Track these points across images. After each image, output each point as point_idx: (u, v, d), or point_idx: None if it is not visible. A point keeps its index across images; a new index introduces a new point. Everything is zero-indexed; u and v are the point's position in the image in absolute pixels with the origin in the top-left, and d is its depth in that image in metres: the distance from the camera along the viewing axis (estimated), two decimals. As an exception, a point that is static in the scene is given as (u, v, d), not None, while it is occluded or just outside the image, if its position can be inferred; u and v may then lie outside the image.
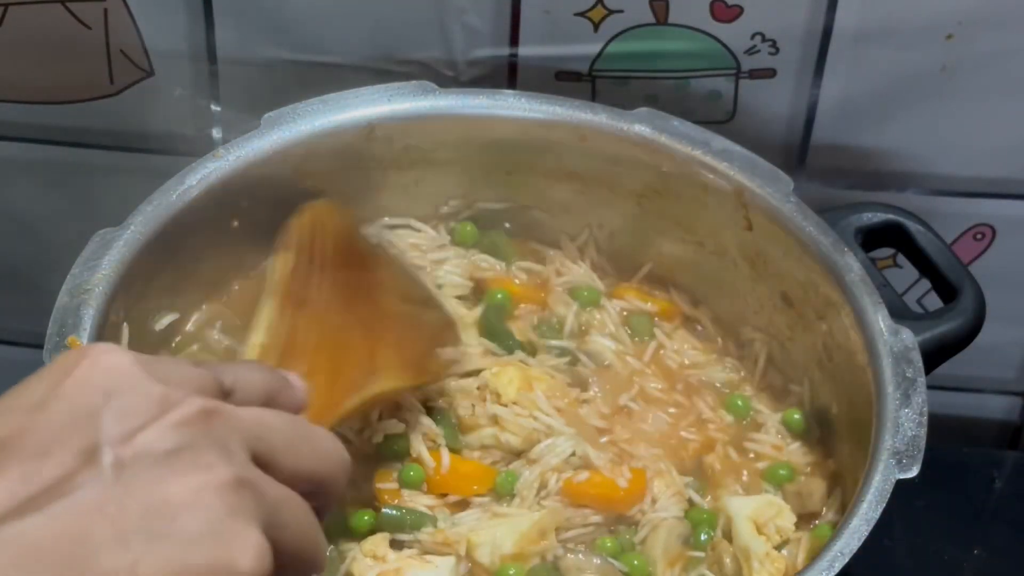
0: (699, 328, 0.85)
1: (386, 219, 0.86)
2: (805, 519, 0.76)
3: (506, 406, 0.77)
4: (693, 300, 0.85)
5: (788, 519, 0.74)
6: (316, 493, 0.49)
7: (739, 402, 0.81)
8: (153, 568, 0.44)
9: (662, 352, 0.83)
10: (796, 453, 0.79)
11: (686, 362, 0.83)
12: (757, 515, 0.74)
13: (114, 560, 0.44)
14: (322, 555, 0.49)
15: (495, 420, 0.77)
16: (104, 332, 0.72)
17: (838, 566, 0.65)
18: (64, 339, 0.71)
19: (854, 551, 0.66)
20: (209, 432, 0.46)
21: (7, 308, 1.00)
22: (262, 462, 0.47)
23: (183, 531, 0.44)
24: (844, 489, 0.76)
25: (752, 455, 0.79)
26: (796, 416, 0.80)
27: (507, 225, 0.86)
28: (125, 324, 0.75)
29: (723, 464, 0.78)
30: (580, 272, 0.86)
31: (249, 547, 0.45)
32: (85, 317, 0.72)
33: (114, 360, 0.47)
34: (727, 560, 0.73)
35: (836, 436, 0.78)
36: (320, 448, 0.50)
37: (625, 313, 0.84)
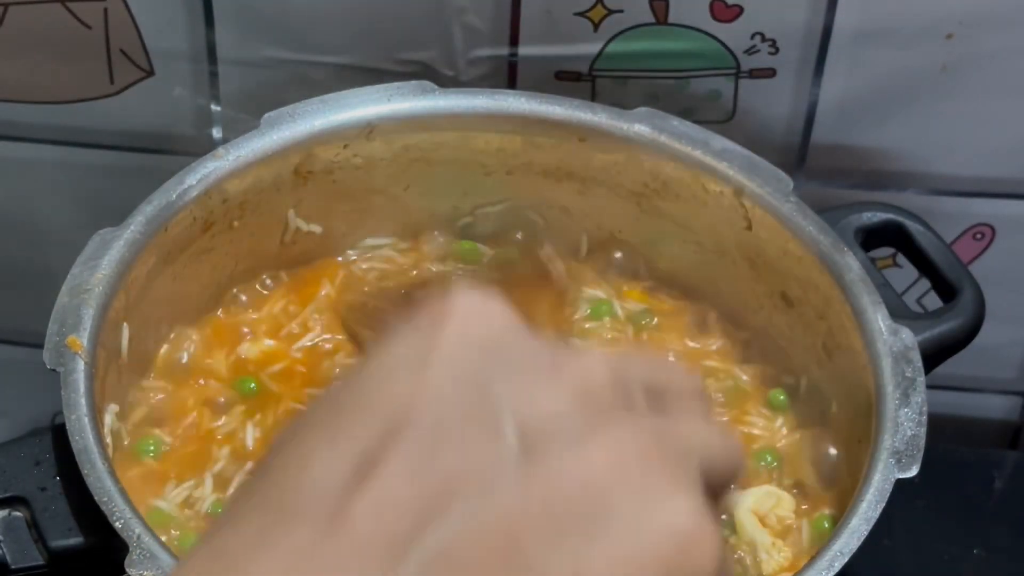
0: (699, 327, 0.85)
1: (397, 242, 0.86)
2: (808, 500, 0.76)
3: None
4: (692, 300, 0.85)
5: (787, 508, 0.74)
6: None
7: (732, 396, 0.81)
8: (599, 563, 0.37)
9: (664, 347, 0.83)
10: (783, 432, 0.79)
11: (686, 359, 0.83)
12: (758, 507, 0.74)
13: (552, 557, 0.37)
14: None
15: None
16: (104, 332, 0.72)
17: (838, 566, 0.65)
18: (64, 339, 0.71)
19: (854, 551, 0.66)
20: (612, 393, 0.40)
21: (7, 308, 1.00)
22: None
23: (618, 516, 0.38)
24: (843, 488, 0.76)
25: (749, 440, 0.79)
26: (781, 397, 0.80)
27: (505, 224, 0.87)
28: (125, 324, 0.75)
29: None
30: (588, 279, 0.86)
31: (695, 504, 0.39)
32: (85, 317, 0.72)
33: (489, 309, 0.41)
34: (747, 557, 0.73)
35: (835, 434, 0.78)
36: (707, 421, 0.44)
37: (632, 312, 0.84)
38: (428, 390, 0.39)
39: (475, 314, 0.41)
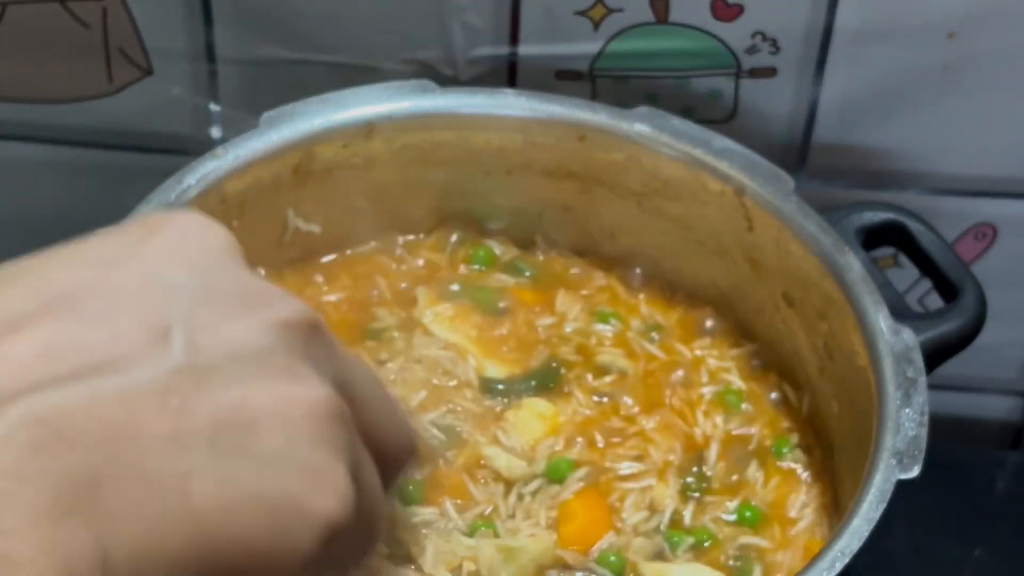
0: (701, 328, 0.84)
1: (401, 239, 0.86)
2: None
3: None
4: (692, 299, 0.85)
5: None
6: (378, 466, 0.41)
7: (732, 399, 0.81)
8: (209, 486, 0.36)
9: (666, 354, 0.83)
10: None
11: (686, 361, 0.83)
12: None
13: (164, 464, 0.35)
14: (383, 529, 0.41)
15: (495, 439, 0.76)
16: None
17: (839, 566, 0.65)
18: (62, 339, 0.70)
19: (855, 551, 0.66)
20: (307, 344, 0.39)
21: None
22: None
23: (258, 449, 0.36)
24: (844, 489, 0.76)
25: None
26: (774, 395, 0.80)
27: (505, 225, 0.86)
28: (123, 324, 0.75)
29: (716, 471, 0.78)
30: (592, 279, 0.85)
31: (334, 486, 0.37)
32: (83, 317, 0.71)
33: (209, 233, 0.40)
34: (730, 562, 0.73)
35: (836, 434, 0.78)
36: (396, 419, 0.43)
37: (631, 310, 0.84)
38: (108, 283, 0.38)
39: (193, 235, 0.40)
